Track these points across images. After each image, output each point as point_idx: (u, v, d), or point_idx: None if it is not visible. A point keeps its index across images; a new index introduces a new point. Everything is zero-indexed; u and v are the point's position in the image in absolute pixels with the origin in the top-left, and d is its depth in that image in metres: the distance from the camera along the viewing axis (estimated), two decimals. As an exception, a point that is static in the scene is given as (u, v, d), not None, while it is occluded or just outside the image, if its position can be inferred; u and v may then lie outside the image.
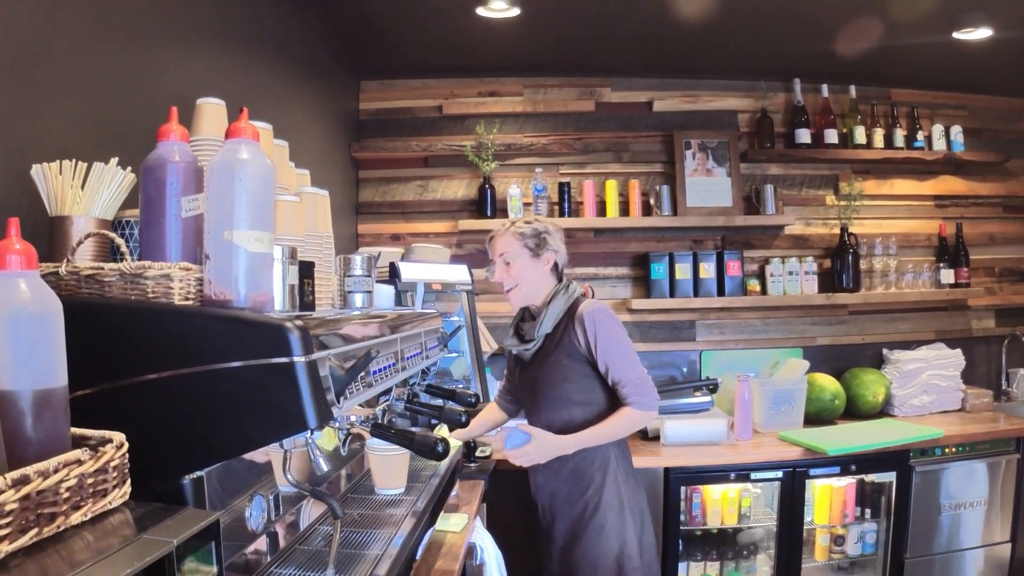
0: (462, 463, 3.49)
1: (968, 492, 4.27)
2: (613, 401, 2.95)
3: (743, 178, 5.10)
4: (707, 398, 4.35)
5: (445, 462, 2.88)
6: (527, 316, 3.13)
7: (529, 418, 3.09)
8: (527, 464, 2.89)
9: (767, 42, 4.59)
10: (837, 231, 5.09)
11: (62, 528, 1.02)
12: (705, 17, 4.14)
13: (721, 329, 5.14)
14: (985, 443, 4.29)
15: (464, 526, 2.76)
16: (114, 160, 1.63)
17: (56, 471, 1.00)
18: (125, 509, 1.15)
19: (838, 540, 4.26)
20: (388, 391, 2.13)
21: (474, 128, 4.91)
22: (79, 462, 1.05)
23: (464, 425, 2.41)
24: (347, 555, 1.90)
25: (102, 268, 1.44)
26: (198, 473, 1.36)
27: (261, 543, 1.75)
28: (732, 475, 3.99)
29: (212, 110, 1.84)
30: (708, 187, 5.01)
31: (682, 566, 4.07)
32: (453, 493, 3.11)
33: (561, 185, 4.91)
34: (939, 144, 5.16)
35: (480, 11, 4.02)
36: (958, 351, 4.90)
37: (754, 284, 4.98)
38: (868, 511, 4.26)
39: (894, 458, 4.13)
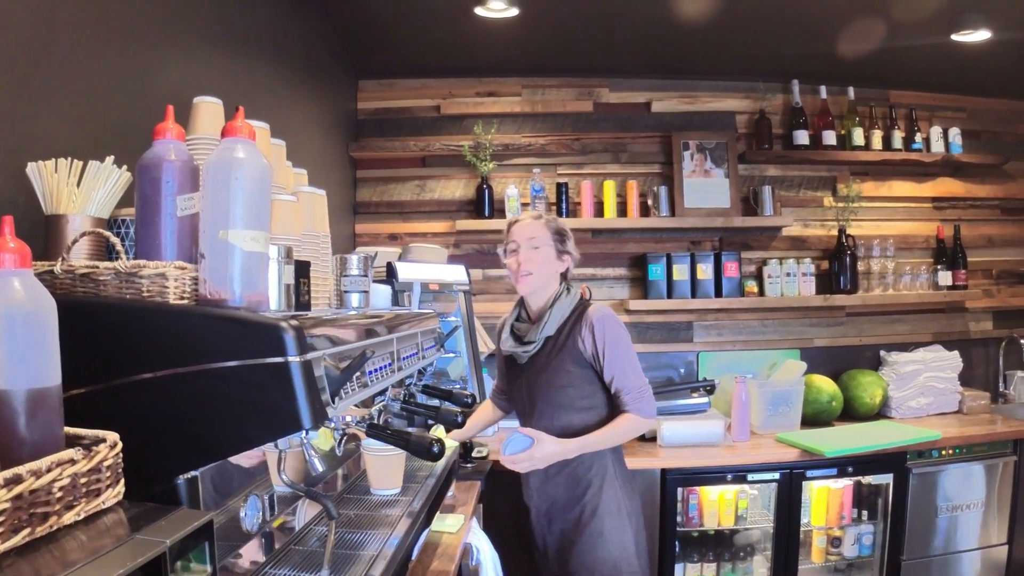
0: (458, 464, 3.49)
1: (965, 494, 4.26)
2: (612, 406, 2.94)
3: (741, 179, 5.10)
4: (704, 399, 4.34)
5: (441, 463, 2.88)
6: (523, 316, 3.10)
7: (523, 421, 3.05)
8: (528, 470, 2.84)
9: (766, 43, 4.59)
10: (835, 232, 5.09)
11: (55, 528, 1.02)
12: (704, 18, 4.14)
13: (719, 330, 5.14)
14: (982, 445, 4.29)
15: (460, 527, 2.75)
16: (110, 158, 1.63)
17: (49, 470, 1.00)
18: (119, 509, 1.14)
19: (835, 542, 4.25)
20: (384, 391, 2.13)
21: (472, 128, 4.91)
22: (72, 461, 1.05)
23: (460, 426, 2.41)
24: (342, 556, 1.90)
25: (97, 267, 1.44)
26: (192, 473, 1.36)
27: (256, 543, 1.75)
28: (729, 476, 3.99)
29: (209, 109, 1.84)
30: (706, 188, 5.01)
31: (679, 567, 4.07)
32: (449, 494, 3.10)
33: (559, 185, 4.91)
34: (937, 146, 5.16)
35: (479, 11, 4.01)
36: (955, 353, 4.90)
37: (752, 285, 4.98)
38: (865, 513, 4.26)
39: (891, 460, 4.13)
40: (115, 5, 2.09)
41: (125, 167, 1.65)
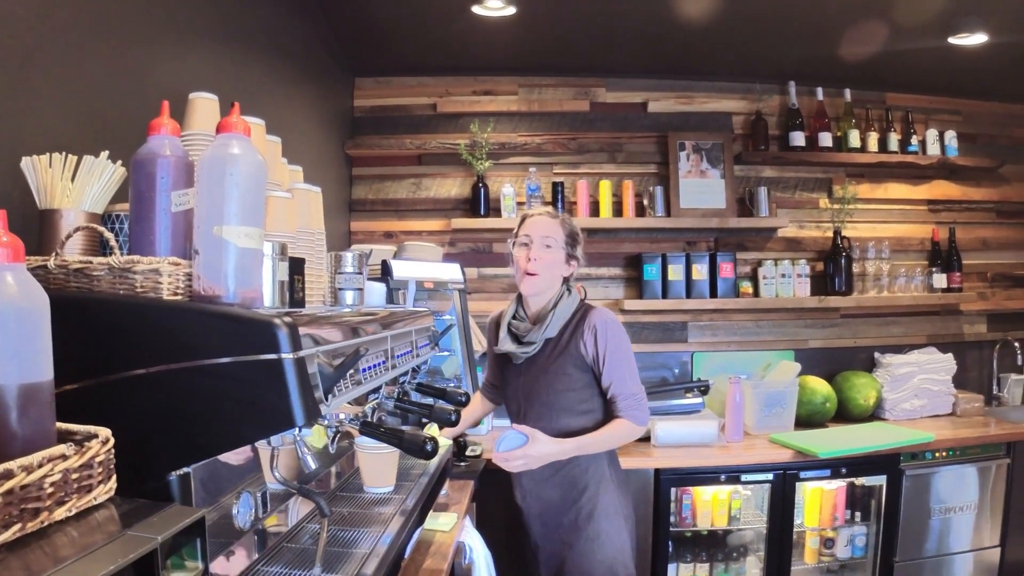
0: (452, 462, 3.49)
1: (958, 496, 4.27)
2: (608, 411, 2.92)
3: (737, 180, 5.11)
4: (698, 399, 4.34)
5: (435, 461, 2.87)
6: (520, 314, 3.06)
7: (515, 421, 3.02)
8: (521, 469, 2.81)
9: (763, 45, 4.59)
10: (830, 234, 5.10)
11: (46, 523, 1.02)
12: (701, 19, 4.14)
13: (713, 331, 5.14)
14: (976, 448, 4.29)
15: (453, 525, 2.75)
16: (104, 153, 1.62)
17: (40, 466, 1.00)
18: (110, 505, 1.14)
19: (828, 543, 4.26)
20: (378, 389, 2.13)
21: (468, 127, 4.91)
22: (64, 457, 1.04)
23: (454, 424, 2.39)
24: (335, 553, 1.89)
25: (91, 262, 1.43)
26: (185, 469, 1.36)
27: (248, 541, 1.74)
28: (723, 477, 3.99)
29: (204, 105, 1.84)
30: (702, 189, 5.01)
31: (672, 567, 4.07)
32: (443, 492, 3.09)
33: (555, 185, 4.91)
34: (933, 149, 5.17)
35: (476, 9, 4.01)
36: (950, 355, 4.91)
37: (747, 286, 4.99)
38: (858, 514, 4.26)
39: (885, 461, 4.13)
40: (111, 0, 2.08)
41: (120, 162, 1.64)
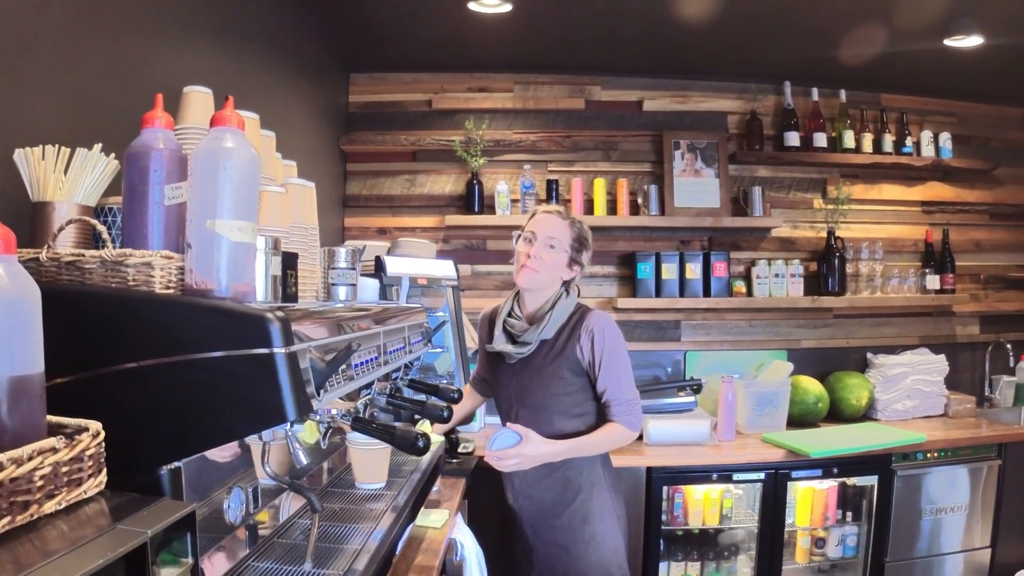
0: (444, 459, 3.48)
1: (949, 497, 4.28)
2: (601, 414, 2.91)
3: (731, 179, 5.11)
4: (691, 398, 4.34)
5: (427, 457, 2.87)
6: (515, 312, 3.01)
7: (506, 422, 2.99)
8: (514, 468, 2.78)
9: (758, 45, 4.60)
10: (824, 234, 5.10)
11: (35, 517, 1.01)
12: (698, 18, 4.13)
13: (706, 330, 5.15)
14: (967, 449, 4.30)
15: (445, 522, 2.75)
16: (98, 146, 1.62)
17: (30, 459, 0.99)
18: (100, 499, 1.14)
19: (819, 542, 4.27)
20: (370, 385, 2.12)
21: (463, 123, 4.90)
22: (54, 450, 1.04)
23: (446, 420, 2.39)
24: (326, 549, 1.89)
25: (83, 255, 1.43)
26: (176, 464, 1.35)
27: (239, 536, 1.74)
28: (714, 476, 3.99)
29: (198, 98, 1.83)
30: (696, 188, 5.02)
31: (663, 566, 4.07)
32: (435, 489, 3.09)
33: (549, 182, 4.91)
34: (928, 150, 5.18)
35: (472, 6, 4.01)
36: (942, 357, 4.92)
37: (740, 285, 4.99)
38: (849, 514, 4.27)
39: (876, 462, 4.14)
40: (106, -8, 2.08)
41: (113, 155, 1.64)
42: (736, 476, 4.01)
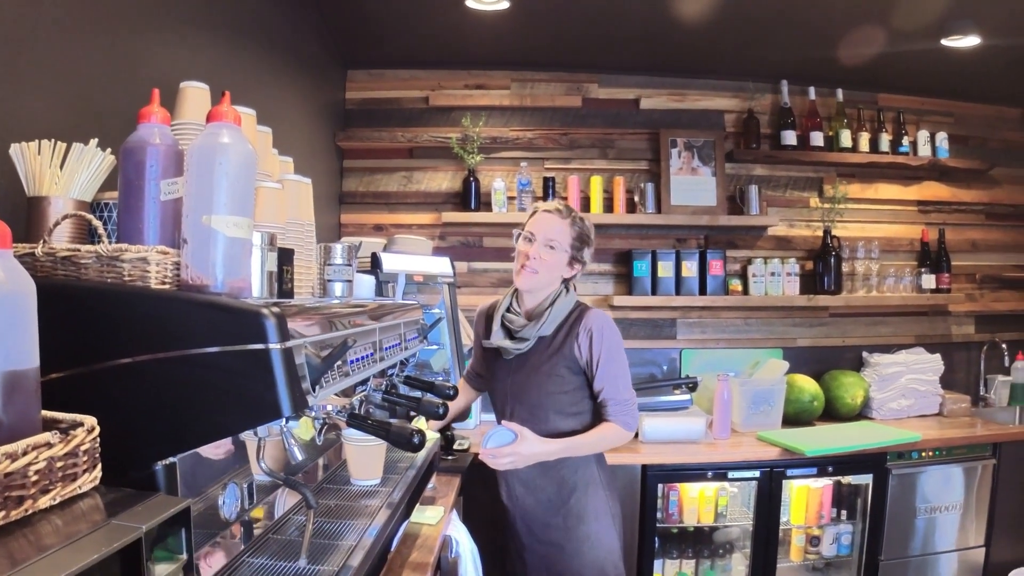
0: (440, 456, 3.48)
1: (944, 496, 4.29)
2: (597, 413, 2.90)
3: (728, 178, 5.12)
4: (686, 396, 4.35)
5: (422, 454, 2.87)
6: (514, 308, 2.99)
7: (501, 418, 2.99)
8: (508, 467, 2.76)
9: (756, 44, 4.60)
10: (820, 233, 5.11)
11: (30, 512, 1.02)
12: (695, 17, 4.14)
13: (702, 328, 5.15)
14: (962, 448, 4.31)
15: (440, 519, 2.75)
16: (94, 141, 1.62)
17: (25, 453, 0.99)
18: (95, 494, 1.14)
19: (814, 541, 4.27)
20: (366, 381, 2.12)
21: (460, 120, 4.90)
22: (49, 445, 1.04)
23: (442, 417, 2.38)
24: (321, 545, 1.89)
25: (79, 250, 1.43)
26: (170, 459, 1.35)
27: (234, 531, 1.74)
28: (710, 474, 4.00)
29: (195, 94, 1.83)
30: (693, 186, 5.02)
31: (658, 563, 4.08)
32: (430, 486, 3.09)
33: (546, 180, 4.91)
34: (924, 150, 5.18)
35: (470, 3, 4.00)
36: (937, 356, 4.93)
37: (736, 284, 5.00)
38: (844, 512, 4.28)
39: (871, 460, 4.14)
40: (103, -13, 2.08)
41: (109, 150, 1.64)
42: (731, 474, 4.01)
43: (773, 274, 4.95)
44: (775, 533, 4.08)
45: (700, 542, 4.25)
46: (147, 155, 1.47)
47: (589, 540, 2.84)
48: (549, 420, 2.86)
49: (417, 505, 2.69)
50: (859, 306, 5.15)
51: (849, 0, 3.92)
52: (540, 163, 5.09)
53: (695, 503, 4.10)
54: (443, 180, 5.06)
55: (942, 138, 5.20)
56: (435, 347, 4.14)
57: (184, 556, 1.13)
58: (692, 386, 4.40)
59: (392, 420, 1.80)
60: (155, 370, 1.32)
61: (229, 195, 1.40)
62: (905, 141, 5.14)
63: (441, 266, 4.13)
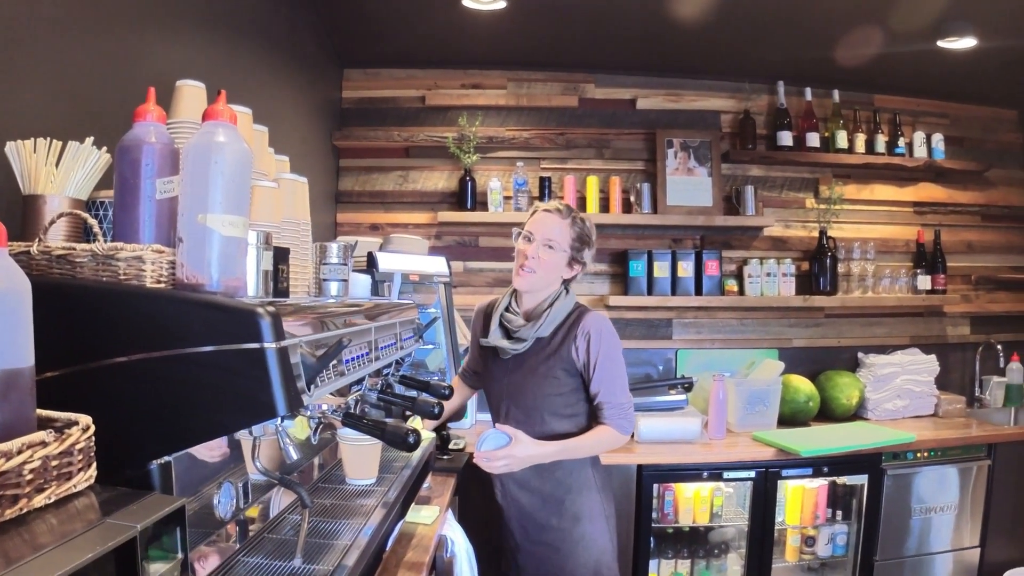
0: (435, 456, 3.48)
1: (939, 497, 4.29)
2: (592, 415, 2.89)
3: (724, 178, 5.12)
4: (682, 396, 4.35)
5: (417, 454, 2.87)
6: (513, 308, 2.98)
7: (496, 417, 2.99)
8: (503, 471, 2.76)
9: (752, 44, 4.60)
10: (816, 234, 5.11)
11: (25, 510, 1.01)
12: (692, 17, 4.14)
13: (698, 328, 5.15)
14: (957, 449, 4.32)
15: (435, 519, 2.75)
16: (89, 139, 1.61)
17: (20, 452, 0.99)
18: (90, 493, 1.13)
19: (809, 541, 4.28)
20: (361, 381, 2.12)
21: (457, 120, 4.90)
22: (43, 444, 1.04)
23: (437, 417, 2.38)
24: (316, 544, 1.89)
25: (74, 249, 1.42)
26: (166, 458, 1.35)
27: (229, 531, 1.74)
28: (705, 474, 4.00)
29: (191, 92, 1.83)
30: (689, 186, 5.02)
31: (653, 563, 4.08)
32: (425, 485, 3.09)
33: (542, 180, 4.91)
34: (920, 151, 5.19)
35: (466, 2, 4.00)
36: (933, 357, 4.94)
37: (732, 284, 5.00)
38: (839, 513, 4.28)
39: (866, 461, 4.15)
40: (99, -15, 2.07)
41: (105, 149, 1.63)
42: (726, 474, 4.02)
43: (769, 275, 4.95)
44: (770, 533, 4.08)
45: (695, 542, 4.25)
46: (143, 154, 1.47)
47: (583, 541, 2.84)
48: (544, 421, 2.85)
49: (412, 505, 2.69)
50: (855, 307, 5.15)
51: (846, 1, 3.93)
52: (536, 163, 5.09)
53: (690, 503, 4.10)
54: (439, 180, 5.06)
55: (938, 139, 5.21)
56: (431, 347, 4.13)
57: (179, 555, 1.13)
58: (688, 386, 4.40)
59: (387, 419, 1.80)
60: (150, 369, 1.31)
61: (224, 194, 1.40)
62: (901, 142, 5.15)
63: (437, 266, 4.12)
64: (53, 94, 1.86)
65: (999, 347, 5.09)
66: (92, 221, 1.44)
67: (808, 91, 5.11)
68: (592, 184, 4.91)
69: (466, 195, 4.85)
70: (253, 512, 1.89)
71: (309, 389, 1.41)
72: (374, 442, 2.42)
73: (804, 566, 4.32)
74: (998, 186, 5.47)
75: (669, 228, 5.09)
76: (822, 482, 4.22)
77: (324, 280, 2.27)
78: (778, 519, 4.15)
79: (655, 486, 4.01)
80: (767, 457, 4.05)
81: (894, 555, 4.24)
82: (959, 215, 5.45)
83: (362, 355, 1.85)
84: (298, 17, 4.01)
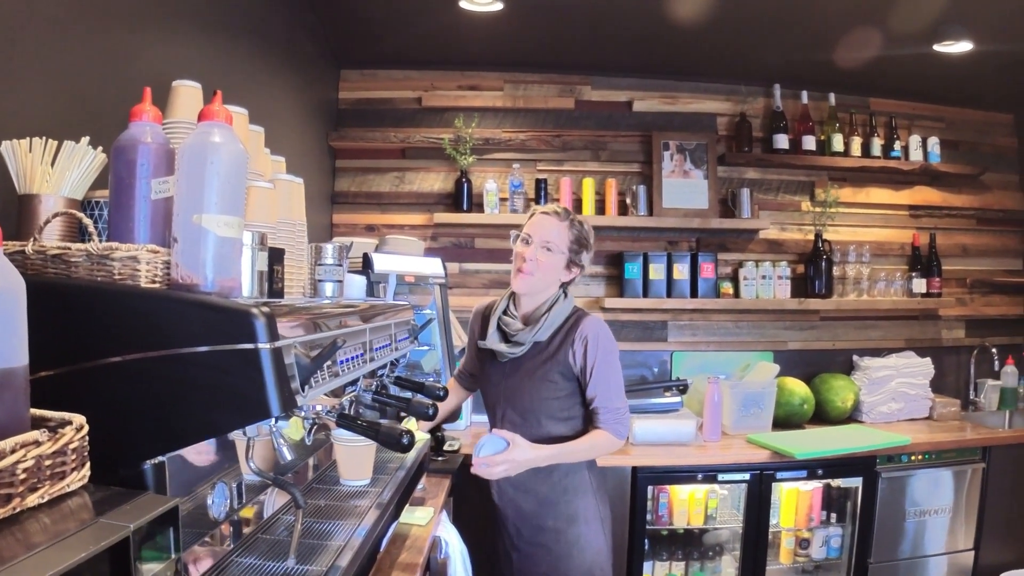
0: (430, 457, 3.48)
1: (933, 499, 4.30)
2: (588, 419, 2.88)
3: (720, 181, 5.12)
4: (677, 399, 4.35)
5: (412, 455, 2.87)
6: (511, 311, 2.97)
7: (493, 420, 2.99)
8: (503, 476, 2.74)
9: (749, 47, 4.61)
10: (812, 237, 5.12)
11: (18, 510, 1.01)
12: (688, 19, 4.14)
13: (693, 330, 5.16)
14: (951, 452, 4.32)
15: (430, 520, 2.75)
16: (85, 139, 1.61)
17: (13, 451, 0.99)
18: (84, 492, 1.13)
19: (803, 543, 4.28)
20: (356, 382, 2.12)
21: (453, 121, 4.90)
22: (37, 443, 1.04)
23: (432, 418, 2.37)
24: (309, 545, 1.89)
25: (69, 248, 1.42)
26: (159, 458, 1.35)
27: (223, 531, 1.74)
28: (700, 476, 4.00)
29: (187, 93, 1.83)
30: (685, 189, 5.03)
31: (647, 565, 4.08)
32: (420, 486, 3.09)
33: (538, 182, 4.91)
34: (916, 155, 5.20)
35: (463, 4, 4.00)
36: (927, 360, 4.94)
37: (727, 287, 5.01)
38: (834, 515, 4.29)
39: (861, 464, 4.15)
40: (95, -15, 2.07)
41: (100, 148, 1.63)
42: (721, 476, 4.02)
43: (764, 277, 4.96)
44: (764, 535, 4.09)
45: (690, 544, 4.25)
46: (138, 154, 1.47)
47: (578, 543, 2.84)
48: (541, 425, 2.85)
49: (407, 506, 2.69)
50: (850, 310, 5.16)
51: (842, 5, 3.93)
52: (532, 165, 5.10)
53: (685, 505, 4.11)
54: (435, 181, 5.06)
55: (933, 143, 5.22)
56: (426, 348, 4.13)
57: (172, 555, 1.13)
58: (683, 388, 4.41)
59: (382, 420, 1.80)
60: (144, 369, 1.31)
61: (220, 194, 1.40)
62: (897, 146, 5.16)
63: (432, 267, 4.12)
64: (49, 93, 1.86)
65: (994, 350, 5.10)
66: (87, 221, 1.45)
67: (804, 94, 5.12)
68: (588, 186, 4.91)
69: (462, 196, 4.86)
70: (247, 512, 1.89)
71: (303, 390, 1.41)
72: (368, 443, 2.42)
73: (798, 568, 4.33)
74: (993, 190, 5.49)
75: (665, 230, 5.10)
76: (816, 485, 4.23)
77: (319, 281, 2.27)
78: (772, 521, 4.15)
79: (650, 488, 4.01)
80: (762, 459, 4.05)
81: (888, 558, 4.24)
82: (954, 218, 5.46)
83: (357, 356, 1.85)
84: (295, 17, 4.01)
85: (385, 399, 2.33)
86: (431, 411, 2.35)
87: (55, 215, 1.51)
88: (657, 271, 4.90)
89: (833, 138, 5.08)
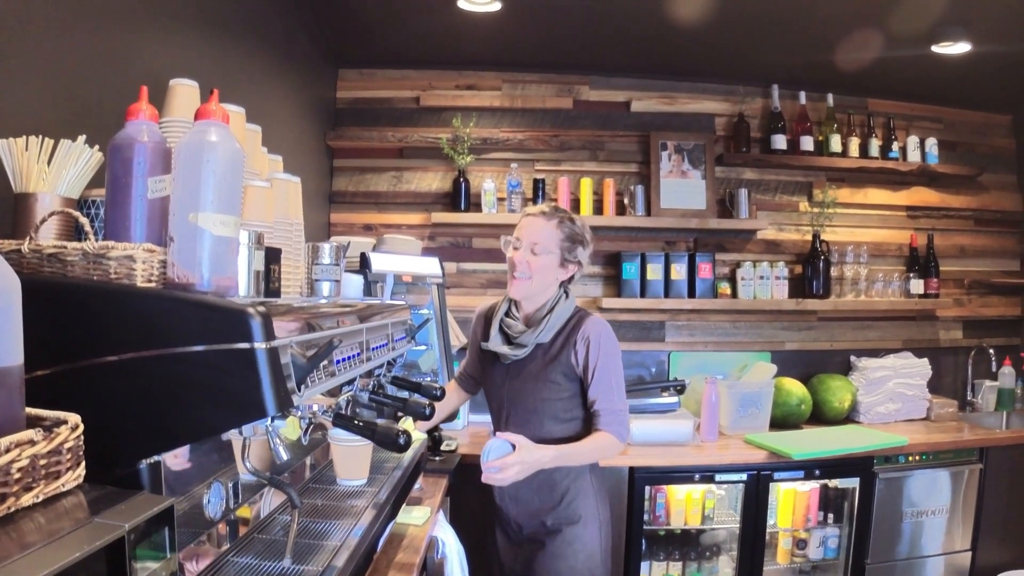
0: (427, 457, 3.48)
1: (930, 500, 4.30)
2: (589, 420, 2.87)
3: (718, 181, 5.12)
4: (674, 399, 4.35)
5: (409, 455, 2.87)
6: (513, 313, 2.96)
7: (496, 422, 2.98)
8: (515, 479, 2.65)
9: (747, 48, 4.61)
10: (809, 237, 5.12)
11: (12, 509, 1.01)
12: (687, 20, 4.14)
13: (691, 331, 5.16)
14: (949, 452, 4.32)
15: (426, 520, 2.75)
16: (82, 138, 1.61)
17: (7, 451, 0.99)
18: (78, 492, 1.13)
19: (800, 544, 4.28)
20: (352, 381, 2.12)
21: (451, 121, 4.90)
22: (32, 442, 1.03)
23: (429, 418, 2.37)
24: (306, 545, 1.89)
25: (65, 247, 1.42)
26: (155, 458, 1.35)
27: (219, 531, 1.74)
28: (697, 476, 4.00)
29: (184, 91, 1.82)
30: (682, 189, 5.03)
31: (644, 565, 4.08)
32: (417, 486, 3.08)
33: (536, 181, 4.91)
34: (914, 155, 5.20)
35: (462, 4, 4.00)
36: (925, 361, 4.94)
37: (725, 287, 5.01)
38: (831, 516, 4.29)
39: (858, 464, 4.15)
40: (92, -17, 2.07)
41: (97, 147, 1.63)
42: (718, 477, 4.02)
43: (762, 278, 4.96)
44: (762, 536, 4.08)
45: (687, 544, 4.25)
46: (135, 152, 1.47)
47: (577, 543, 2.83)
48: (543, 426, 2.84)
49: (403, 506, 2.68)
50: (847, 310, 5.16)
51: (841, 6, 3.93)
52: (530, 164, 5.09)
53: (682, 505, 4.10)
54: (433, 180, 5.06)
55: (931, 144, 5.22)
56: (423, 348, 4.13)
57: (168, 555, 1.12)
58: (680, 389, 4.41)
59: (379, 420, 1.79)
60: (140, 368, 1.31)
61: (216, 193, 1.40)
62: (895, 146, 5.16)
63: (430, 266, 4.12)
64: (46, 92, 1.86)
65: (991, 351, 5.10)
66: (83, 220, 1.44)
67: (802, 95, 5.13)
68: (586, 186, 4.91)
69: (460, 196, 4.85)
70: (243, 512, 1.88)
71: (299, 389, 1.41)
72: (365, 443, 2.41)
73: (795, 569, 4.33)
74: (991, 190, 5.49)
75: (663, 230, 5.10)
76: (814, 485, 4.23)
77: (316, 280, 2.26)
78: (770, 522, 4.15)
79: (647, 488, 4.01)
80: (759, 460, 4.05)
81: (885, 558, 4.25)
82: (952, 219, 5.46)
83: (353, 356, 1.84)
84: (293, 16, 4.01)
85: (382, 399, 2.32)
86: (428, 411, 2.35)
87: (51, 214, 1.51)
88: (655, 271, 4.90)
89: (831, 139, 5.08)
